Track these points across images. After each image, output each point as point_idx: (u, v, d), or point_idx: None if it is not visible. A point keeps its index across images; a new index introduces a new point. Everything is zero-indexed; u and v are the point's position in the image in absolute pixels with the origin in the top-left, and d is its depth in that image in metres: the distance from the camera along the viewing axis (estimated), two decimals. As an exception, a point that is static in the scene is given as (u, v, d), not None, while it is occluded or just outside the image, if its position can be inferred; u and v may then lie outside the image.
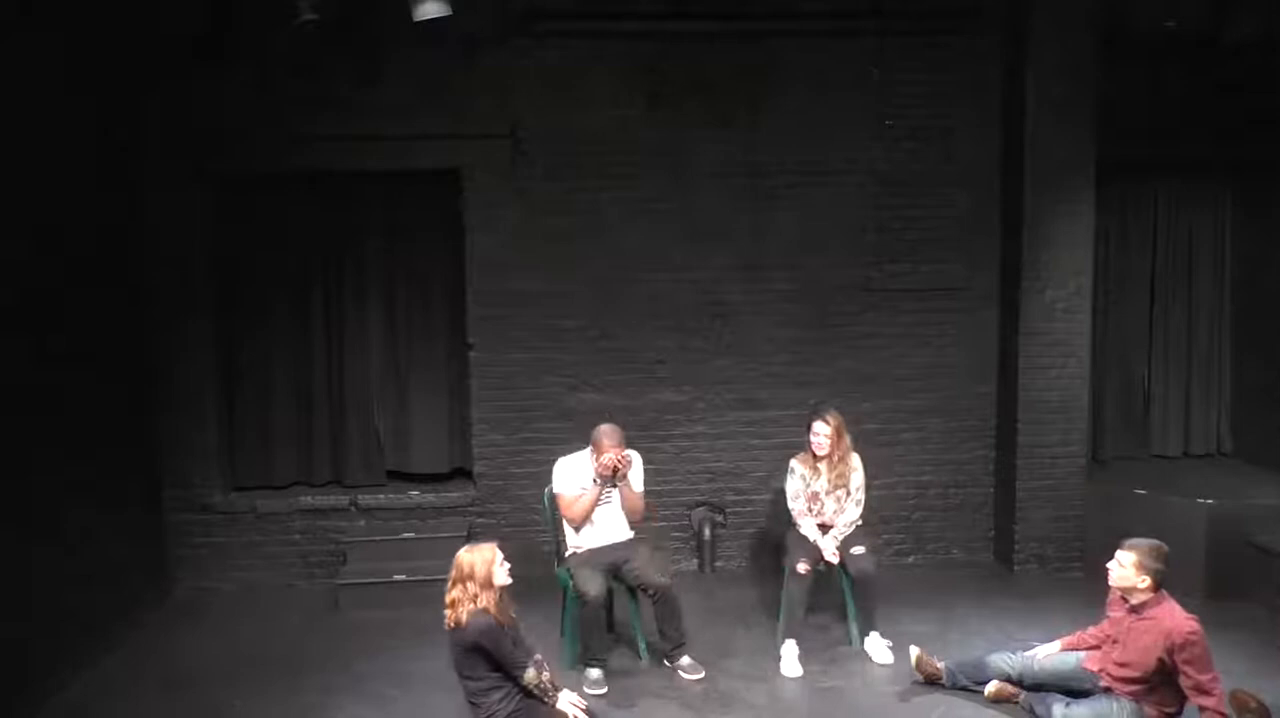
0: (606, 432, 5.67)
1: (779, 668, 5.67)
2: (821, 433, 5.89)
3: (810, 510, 5.99)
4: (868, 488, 6.06)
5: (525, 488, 7.05)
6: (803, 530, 5.94)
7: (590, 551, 5.67)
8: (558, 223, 7.04)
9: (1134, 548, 4.72)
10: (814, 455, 5.95)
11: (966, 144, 7.23)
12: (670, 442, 7.19)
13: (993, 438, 7.41)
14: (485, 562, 4.43)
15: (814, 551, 5.85)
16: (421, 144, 6.91)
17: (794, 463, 6.04)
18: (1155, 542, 4.75)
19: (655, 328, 7.19)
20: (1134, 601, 4.73)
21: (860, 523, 6.04)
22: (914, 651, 5.48)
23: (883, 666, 5.74)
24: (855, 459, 6.03)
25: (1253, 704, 4.81)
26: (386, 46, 6.70)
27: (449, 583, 4.46)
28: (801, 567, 5.76)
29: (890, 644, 5.84)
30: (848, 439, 6.00)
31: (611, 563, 5.64)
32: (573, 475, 5.74)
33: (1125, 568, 4.72)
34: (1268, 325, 7.60)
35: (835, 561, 5.85)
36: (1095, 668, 4.94)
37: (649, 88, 7.02)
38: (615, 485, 5.73)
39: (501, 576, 4.48)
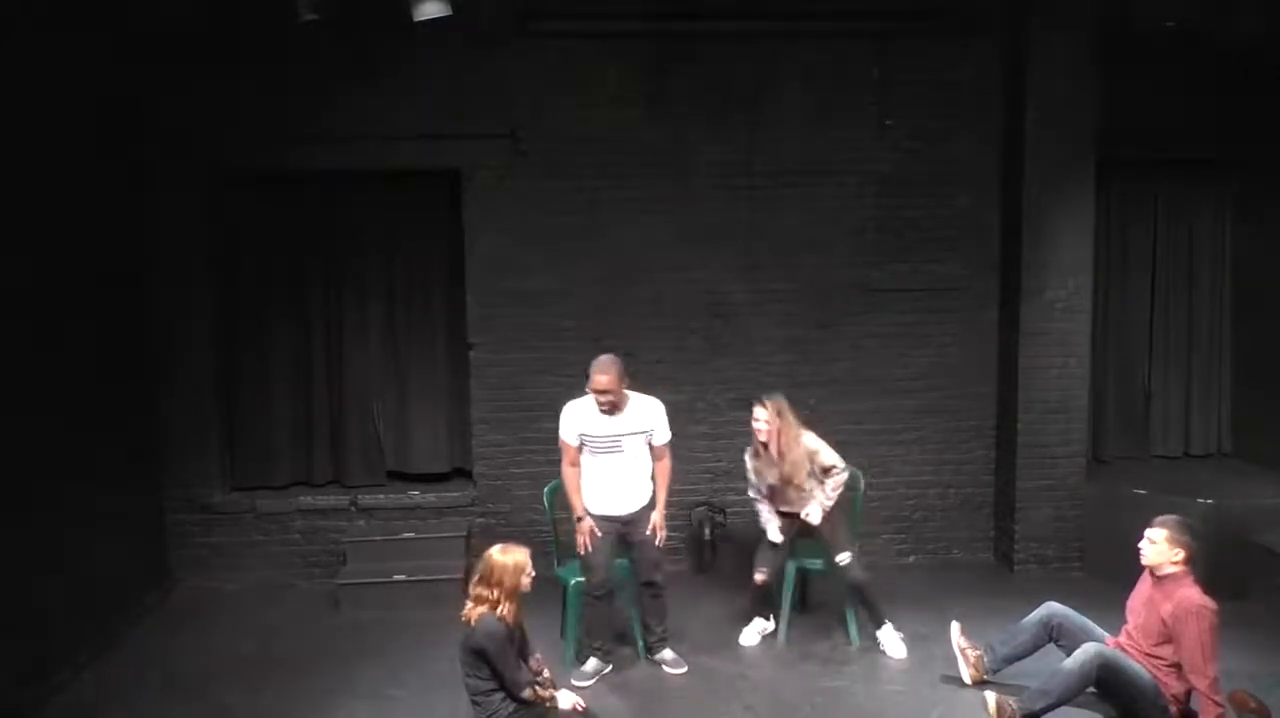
0: (600, 365, 5.36)
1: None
2: (760, 418, 5.75)
3: (770, 498, 5.94)
4: (867, 487, 6.01)
5: (525, 488, 7.05)
6: (762, 522, 5.96)
7: (600, 519, 5.53)
8: (558, 223, 7.05)
9: (1164, 524, 4.78)
10: (761, 444, 5.85)
11: (966, 144, 7.23)
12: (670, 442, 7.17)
13: (993, 438, 7.41)
14: (517, 571, 4.41)
15: (775, 559, 5.91)
16: (421, 144, 6.90)
17: (747, 454, 6.02)
18: (1180, 516, 4.84)
19: (655, 328, 7.19)
20: (1163, 572, 4.76)
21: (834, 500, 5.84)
22: (990, 698, 5.00)
23: (895, 659, 5.79)
24: (810, 440, 5.81)
25: (1253, 704, 4.80)
26: (386, 46, 6.70)
27: (477, 576, 4.45)
28: (759, 576, 5.86)
29: (904, 637, 5.87)
30: (794, 425, 5.79)
31: (620, 536, 5.57)
32: (572, 422, 5.54)
33: (1159, 544, 4.75)
34: (1268, 325, 7.60)
35: (816, 521, 5.76)
36: (1118, 642, 4.99)
37: (649, 88, 7.02)
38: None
39: (525, 585, 4.48)
